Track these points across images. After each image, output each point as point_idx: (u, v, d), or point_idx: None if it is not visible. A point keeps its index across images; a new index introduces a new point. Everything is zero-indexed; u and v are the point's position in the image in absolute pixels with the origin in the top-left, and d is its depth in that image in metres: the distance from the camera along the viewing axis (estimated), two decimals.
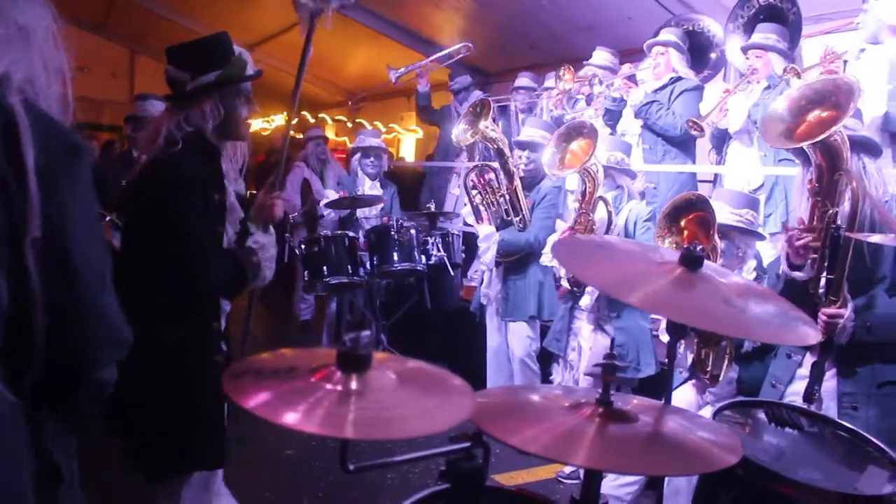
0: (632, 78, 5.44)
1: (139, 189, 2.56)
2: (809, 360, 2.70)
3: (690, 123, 4.79)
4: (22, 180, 1.22)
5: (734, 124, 4.78)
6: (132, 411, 2.45)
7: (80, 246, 1.30)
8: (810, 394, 2.58)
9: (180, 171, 2.46)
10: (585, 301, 4.04)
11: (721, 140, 5.09)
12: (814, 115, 2.52)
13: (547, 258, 4.30)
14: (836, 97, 2.49)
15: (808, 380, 2.62)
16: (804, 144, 2.51)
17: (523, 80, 6.78)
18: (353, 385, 1.28)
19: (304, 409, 1.24)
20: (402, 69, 7.49)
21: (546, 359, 4.65)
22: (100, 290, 1.35)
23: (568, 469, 4.27)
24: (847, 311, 2.52)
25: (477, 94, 7.28)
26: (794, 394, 2.69)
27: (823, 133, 2.42)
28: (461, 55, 7.41)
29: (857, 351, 2.58)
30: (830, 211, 2.53)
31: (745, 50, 4.72)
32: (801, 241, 2.60)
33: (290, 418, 1.23)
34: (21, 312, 1.22)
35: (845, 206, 2.53)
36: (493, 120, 4.76)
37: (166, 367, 2.45)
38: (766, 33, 4.62)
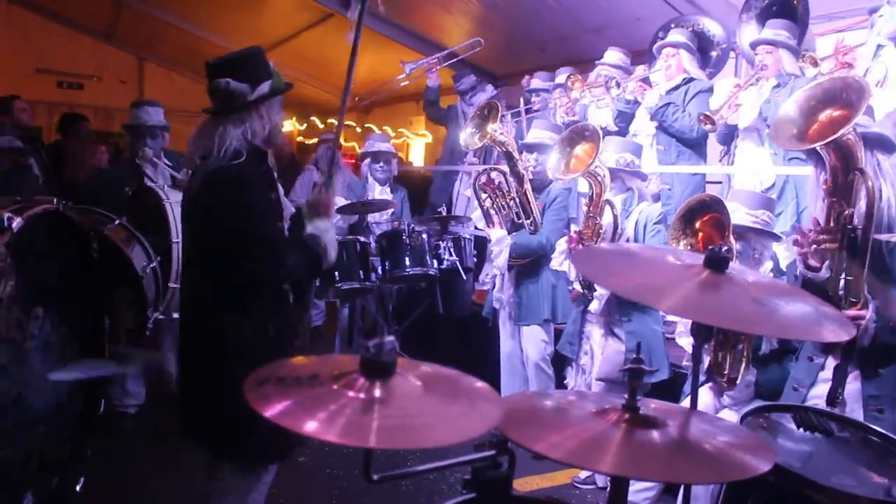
0: (646, 80, 5.42)
1: (203, 199, 2.65)
2: (832, 363, 2.65)
3: (703, 117, 4.75)
4: None
5: (744, 120, 4.73)
6: (208, 411, 2.58)
7: None
8: (833, 397, 2.54)
9: (244, 178, 2.60)
10: (594, 306, 4.01)
11: (729, 136, 5.05)
12: (825, 115, 2.47)
13: (557, 262, 4.26)
14: (846, 95, 2.44)
15: (830, 383, 2.59)
16: (817, 145, 2.46)
17: (536, 81, 6.76)
18: (377, 392, 1.26)
19: (326, 417, 1.22)
20: (414, 63, 7.50)
21: (560, 363, 4.61)
22: None
23: (584, 474, 4.24)
24: (869, 313, 2.48)
25: (490, 91, 7.24)
26: (817, 397, 2.64)
27: (836, 133, 2.37)
28: (474, 51, 7.41)
29: (880, 352, 2.53)
30: (846, 211, 2.49)
31: (754, 45, 4.68)
32: (819, 245, 2.56)
33: (312, 427, 1.20)
34: None
35: (861, 206, 2.48)
36: (502, 122, 4.73)
37: (243, 366, 2.49)
38: (776, 29, 4.57)
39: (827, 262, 2.57)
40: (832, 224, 2.54)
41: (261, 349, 2.56)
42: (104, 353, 3.27)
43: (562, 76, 6.23)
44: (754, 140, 4.83)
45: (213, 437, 2.62)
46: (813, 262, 2.61)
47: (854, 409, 2.54)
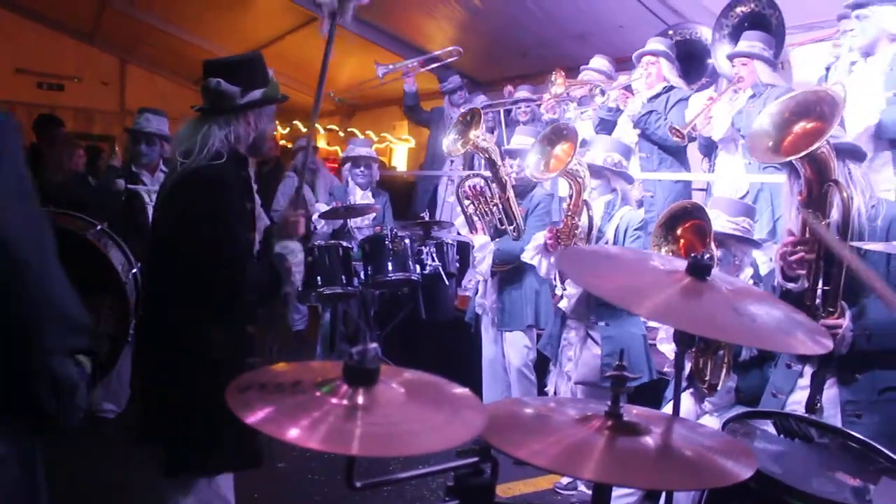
0: (628, 88, 5.45)
1: (179, 197, 2.62)
2: (809, 369, 2.68)
3: (673, 130, 4.80)
4: None
5: (717, 132, 4.79)
6: (164, 409, 2.55)
7: (14, 223, 1.24)
8: (812, 403, 2.57)
9: (224, 180, 2.57)
10: (564, 304, 3.98)
11: (710, 148, 5.12)
12: (799, 127, 2.49)
13: (528, 255, 4.20)
14: (820, 108, 2.46)
15: (808, 389, 2.61)
16: (792, 158, 2.48)
17: (522, 92, 6.77)
18: (360, 399, 1.25)
19: (309, 424, 1.21)
20: (391, 66, 7.47)
21: (542, 369, 4.61)
22: (44, 270, 1.28)
23: (565, 480, 4.24)
24: (846, 321, 2.50)
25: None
26: (796, 403, 2.66)
27: (811, 146, 2.39)
28: (451, 59, 7.38)
29: (857, 358, 2.55)
30: (822, 222, 2.51)
31: (731, 58, 4.73)
32: (795, 256, 2.58)
33: (294, 434, 1.20)
34: None
35: (835, 216, 2.50)
36: (485, 129, 4.74)
37: (200, 368, 2.51)
38: (751, 41, 4.62)
39: (804, 273, 2.59)
40: (807, 234, 2.57)
41: (219, 354, 2.54)
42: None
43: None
44: (729, 150, 4.89)
45: (168, 437, 2.58)
46: (790, 273, 2.63)
47: (832, 415, 2.56)
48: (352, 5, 2.87)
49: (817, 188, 2.51)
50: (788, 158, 2.48)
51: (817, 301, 2.55)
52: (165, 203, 2.72)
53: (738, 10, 5.01)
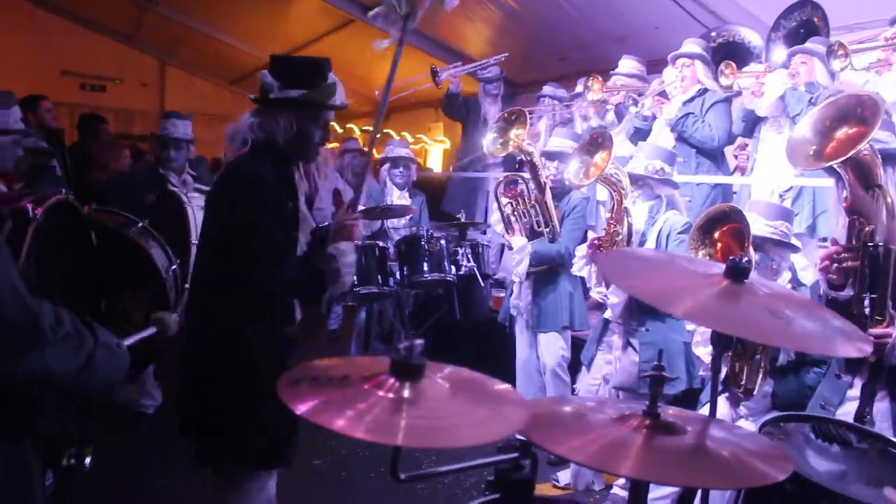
0: (663, 93, 5.43)
1: (216, 191, 2.69)
2: (860, 381, 2.64)
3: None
4: None
5: (766, 101, 4.71)
6: (207, 410, 2.58)
7: None
8: (861, 415, 2.53)
9: (250, 172, 2.58)
10: (609, 313, 4.01)
11: (751, 125, 5.01)
12: (841, 133, 2.47)
13: (577, 267, 4.26)
14: (860, 112, 2.44)
15: (858, 401, 2.58)
16: (833, 163, 2.46)
17: (548, 88, 6.78)
18: (406, 393, 1.29)
19: (355, 415, 1.25)
20: (448, 70, 7.51)
21: (576, 371, 4.62)
22: None
23: (563, 480, 4.27)
24: (894, 330, 2.47)
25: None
26: (845, 415, 2.61)
27: (851, 150, 2.37)
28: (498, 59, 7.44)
29: None
30: (867, 228, 2.48)
31: (791, 55, 4.69)
32: (840, 265, 2.55)
33: (341, 424, 1.24)
34: None
35: (883, 222, 2.47)
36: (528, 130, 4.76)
37: (241, 368, 2.54)
38: (815, 44, 4.61)
39: (850, 281, 2.56)
40: (853, 242, 2.54)
41: (258, 354, 2.56)
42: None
43: (580, 87, 6.23)
44: (774, 127, 4.81)
45: (215, 437, 2.61)
46: (835, 282, 2.61)
47: (885, 428, 2.51)
48: (426, 6, 2.89)
49: (862, 193, 2.49)
50: (830, 163, 2.47)
51: (865, 310, 2.51)
52: (209, 200, 2.78)
53: (796, 15, 5.01)
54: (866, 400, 2.54)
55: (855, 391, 2.64)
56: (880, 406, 2.57)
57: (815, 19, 4.88)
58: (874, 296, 2.49)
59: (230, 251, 2.55)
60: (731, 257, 1.71)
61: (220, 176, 2.72)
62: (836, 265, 2.56)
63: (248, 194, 2.55)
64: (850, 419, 2.54)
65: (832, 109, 2.53)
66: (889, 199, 2.44)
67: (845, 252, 2.55)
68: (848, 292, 2.58)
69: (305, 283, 2.67)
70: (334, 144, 8.06)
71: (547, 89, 6.77)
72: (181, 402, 2.70)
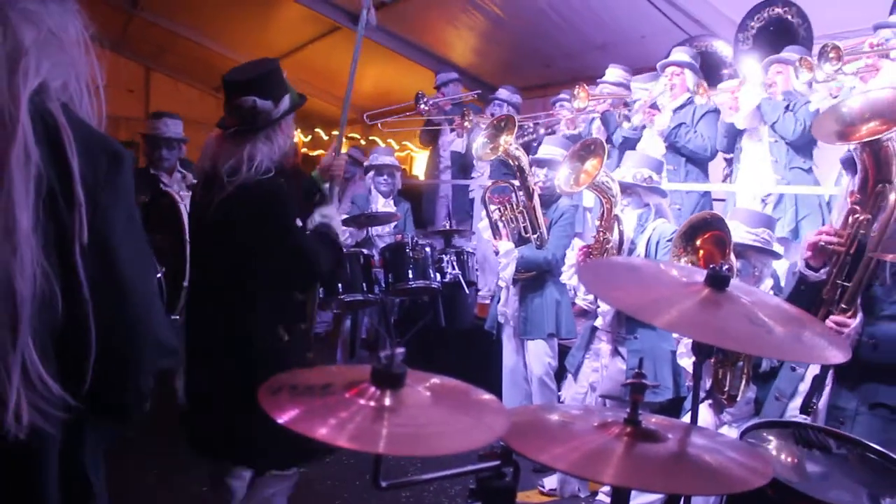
0: (654, 106, 5.47)
1: (244, 208, 2.66)
2: (812, 372, 2.64)
3: None
4: (68, 188, 1.21)
5: (743, 114, 4.77)
6: (233, 416, 2.58)
7: (126, 255, 1.30)
8: (807, 405, 2.54)
9: (283, 188, 2.72)
10: (599, 322, 4.02)
11: (732, 139, 5.08)
12: (873, 124, 2.44)
13: (567, 276, 4.27)
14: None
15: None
16: (855, 143, 2.45)
17: (503, 92, 6.83)
18: (387, 401, 1.29)
19: (337, 423, 1.25)
20: (433, 99, 7.55)
21: (561, 378, 4.63)
22: (147, 299, 1.35)
23: (548, 485, 4.27)
24: (855, 322, 2.47)
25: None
26: (798, 407, 2.64)
27: (879, 134, 2.36)
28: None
29: (859, 366, 2.47)
30: (861, 216, 2.47)
31: (767, 65, 4.74)
32: (826, 242, 2.54)
33: (323, 432, 1.24)
34: (73, 325, 1.22)
35: (882, 218, 2.45)
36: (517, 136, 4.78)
37: (271, 367, 2.52)
38: (791, 52, 4.65)
39: (829, 265, 2.56)
40: (848, 228, 2.52)
41: (283, 356, 2.64)
42: None
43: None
44: (753, 138, 4.87)
45: (236, 444, 2.63)
46: (813, 262, 2.61)
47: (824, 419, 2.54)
48: None
49: (871, 184, 2.47)
50: (853, 142, 2.46)
51: (836, 296, 2.52)
52: (217, 221, 2.70)
53: (765, 13, 5.06)
54: (814, 390, 2.53)
55: (806, 384, 2.64)
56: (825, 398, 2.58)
57: (789, 16, 4.92)
58: (847, 284, 2.49)
59: (268, 257, 2.65)
60: (711, 266, 1.72)
61: (245, 195, 2.65)
62: (823, 239, 2.56)
63: (284, 207, 2.71)
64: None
65: (876, 102, 2.49)
66: (892, 196, 2.42)
67: (835, 235, 2.54)
68: (821, 275, 2.58)
69: (331, 255, 2.84)
70: (320, 151, 8.04)
71: (502, 93, 6.79)
72: (196, 410, 2.75)
